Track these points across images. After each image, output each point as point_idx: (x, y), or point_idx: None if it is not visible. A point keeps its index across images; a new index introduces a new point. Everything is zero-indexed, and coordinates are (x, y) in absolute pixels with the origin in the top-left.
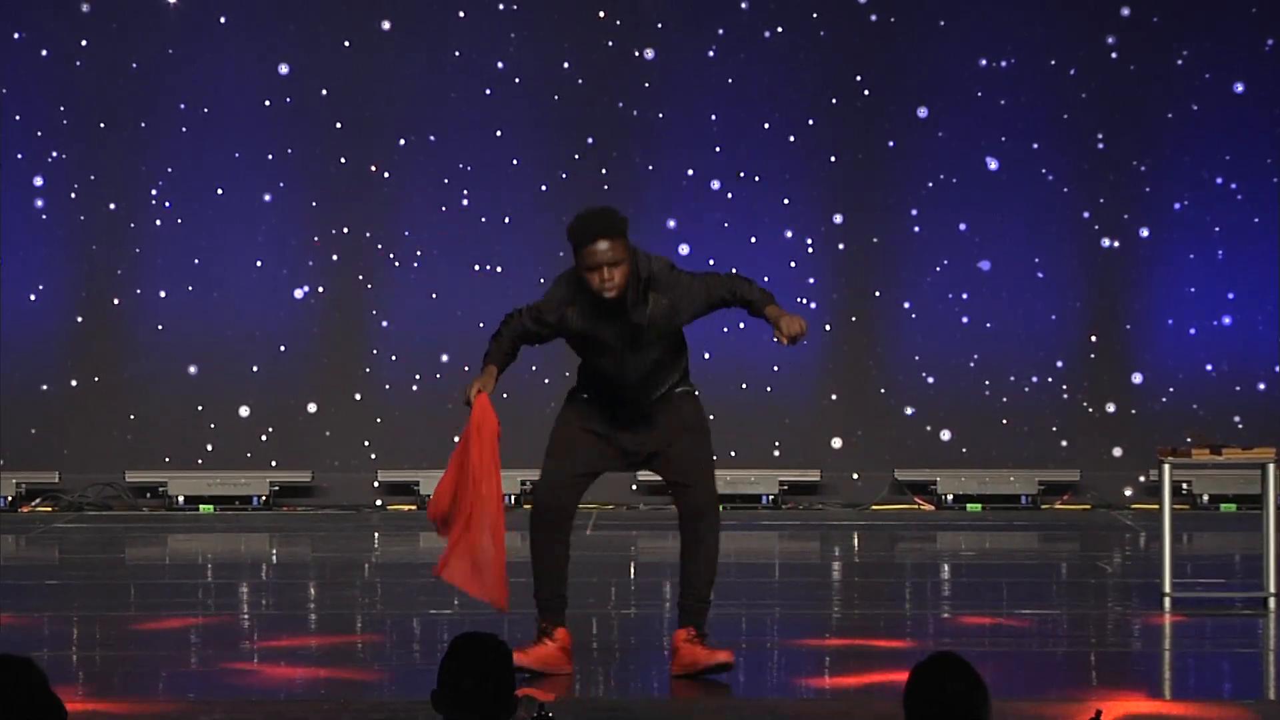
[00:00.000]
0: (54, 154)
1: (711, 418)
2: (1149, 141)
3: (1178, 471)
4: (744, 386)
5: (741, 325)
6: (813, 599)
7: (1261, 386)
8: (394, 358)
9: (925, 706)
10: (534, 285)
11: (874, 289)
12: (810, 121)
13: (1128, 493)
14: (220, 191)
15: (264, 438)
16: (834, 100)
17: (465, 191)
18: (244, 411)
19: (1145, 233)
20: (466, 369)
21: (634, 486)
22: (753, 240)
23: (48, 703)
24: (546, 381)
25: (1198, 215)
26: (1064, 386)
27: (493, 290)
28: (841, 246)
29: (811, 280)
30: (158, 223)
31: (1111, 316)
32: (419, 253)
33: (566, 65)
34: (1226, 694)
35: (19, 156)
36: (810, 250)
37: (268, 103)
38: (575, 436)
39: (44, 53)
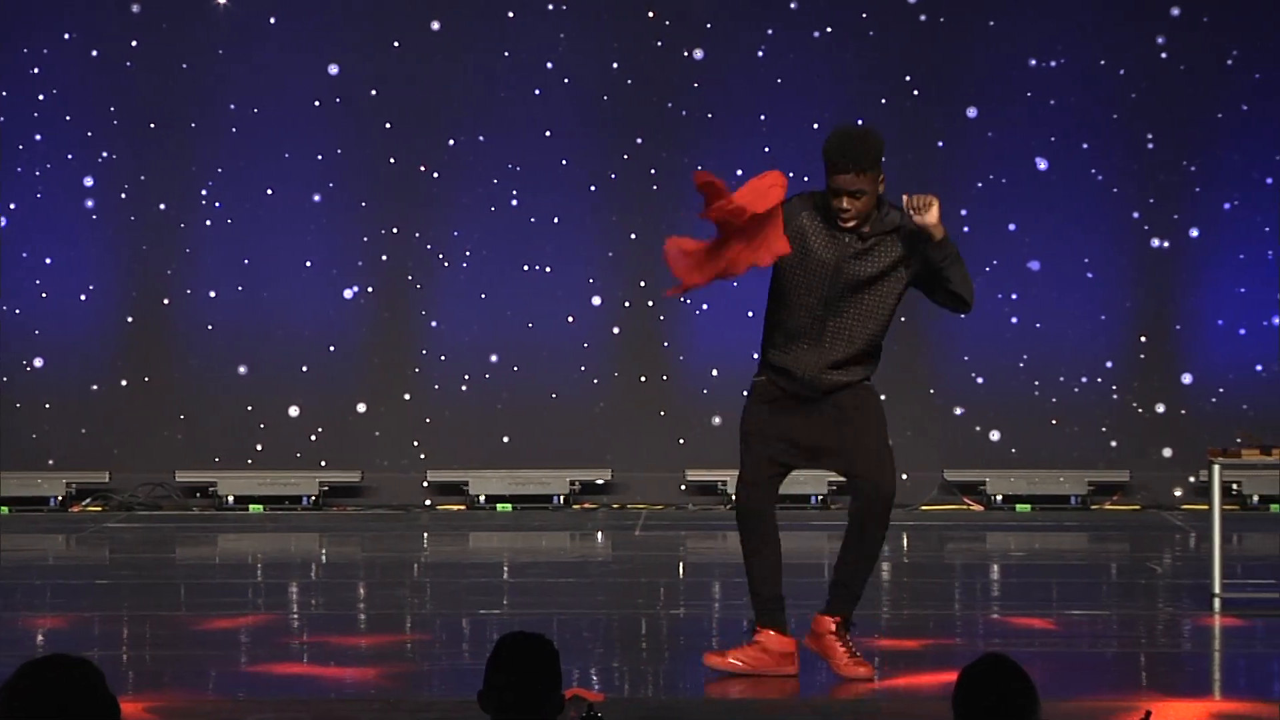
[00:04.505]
0: (104, 154)
1: None
2: (1199, 141)
3: (1228, 472)
4: None
5: None
6: (862, 599)
7: None
8: (443, 358)
9: (974, 708)
10: (584, 285)
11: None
12: (859, 122)
13: (1178, 493)
14: (270, 192)
15: (313, 438)
16: (883, 100)
17: (514, 191)
18: (293, 411)
19: (1195, 233)
20: (515, 369)
21: (683, 486)
22: None
23: (104, 703)
24: (595, 382)
25: (1248, 215)
26: (1114, 387)
27: (542, 290)
28: None
29: None
30: (208, 223)
31: (1161, 317)
32: (468, 253)
33: (615, 65)
34: (1276, 695)
35: (69, 157)
36: None
37: (317, 103)
38: (763, 431)
39: (94, 53)
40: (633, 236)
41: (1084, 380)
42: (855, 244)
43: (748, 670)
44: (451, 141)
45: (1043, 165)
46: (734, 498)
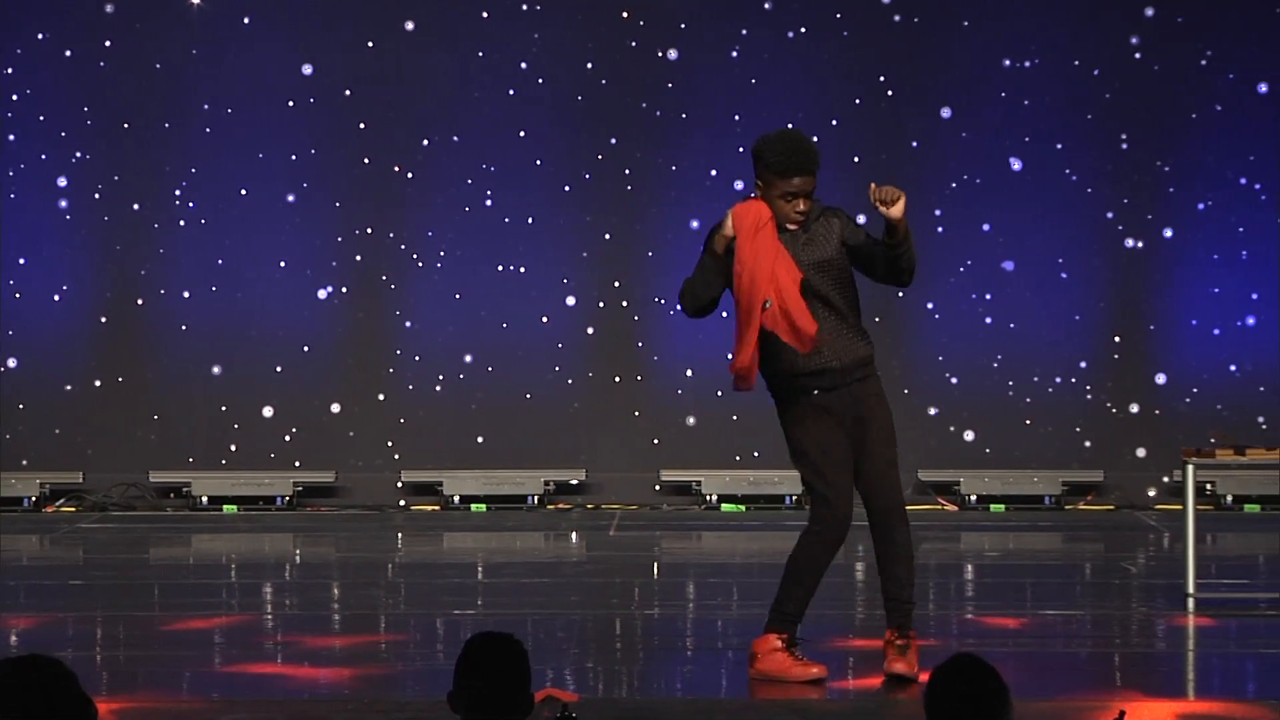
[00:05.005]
0: (78, 154)
1: (735, 418)
2: (1173, 142)
3: (1201, 472)
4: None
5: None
6: (836, 599)
7: None
8: (417, 358)
9: (945, 708)
10: (558, 285)
11: (897, 289)
12: (834, 122)
13: (1151, 493)
14: (244, 192)
15: (287, 438)
16: (857, 101)
17: (488, 191)
18: (267, 412)
19: (1169, 233)
20: (490, 369)
21: (657, 487)
22: None
23: (79, 702)
24: (570, 382)
25: (1221, 215)
26: (1087, 387)
27: (516, 290)
28: None
29: None
30: (181, 223)
31: (1135, 317)
32: (442, 253)
33: (590, 65)
34: (1250, 694)
35: (43, 157)
36: None
37: (291, 103)
38: (823, 435)
39: (67, 53)
40: (607, 237)
41: (1058, 380)
42: (800, 234)
43: (778, 676)
44: (426, 141)
45: (1017, 165)
46: (821, 519)
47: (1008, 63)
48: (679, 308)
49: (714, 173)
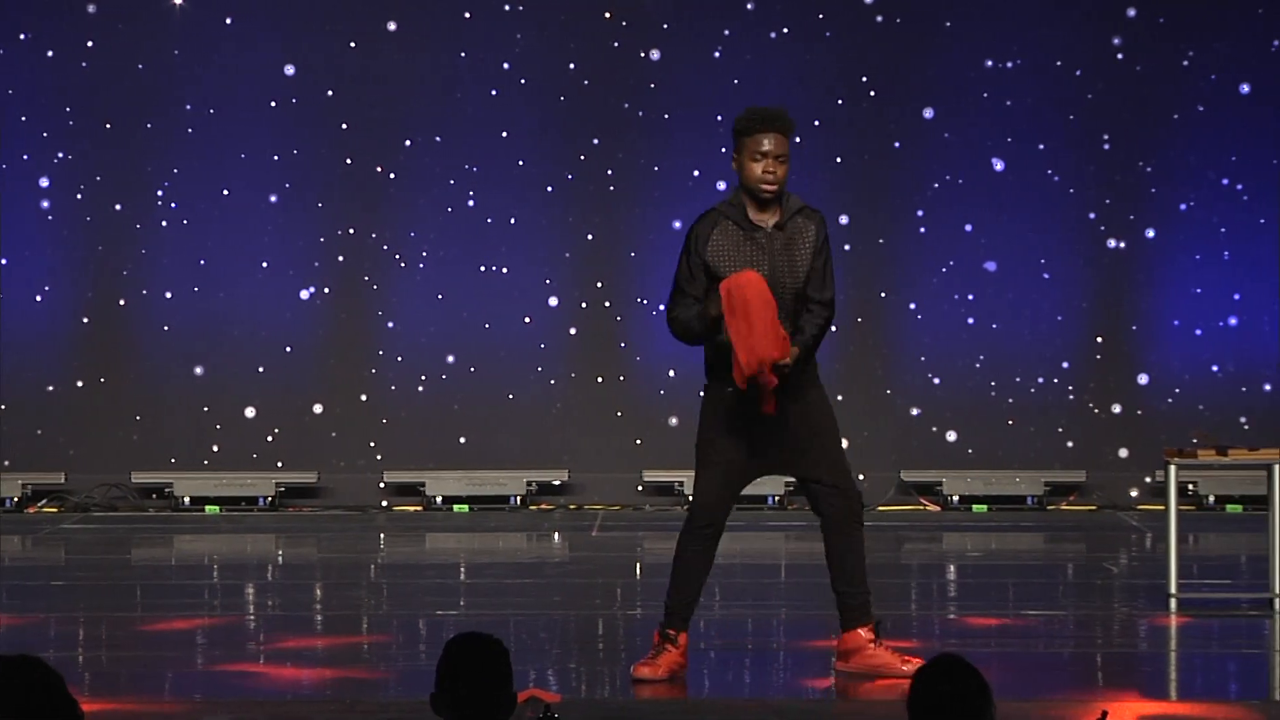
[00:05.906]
0: (60, 155)
1: None
2: (1155, 142)
3: (1184, 472)
4: None
5: None
6: (819, 600)
7: (1267, 387)
8: (400, 359)
9: (929, 708)
10: (540, 286)
11: (880, 290)
12: (816, 123)
13: (1134, 493)
14: (226, 192)
15: (270, 438)
16: (840, 101)
17: (471, 192)
18: (250, 412)
19: (1151, 233)
20: (472, 369)
21: (639, 487)
22: None
23: (65, 703)
24: (552, 382)
25: (1204, 216)
26: (1070, 387)
27: (498, 291)
28: (847, 247)
29: None
30: (163, 223)
31: (1117, 317)
32: (425, 254)
33: (572, 66)
34: (1232, 695)
35: (25, 157)
36: None
37: (273, 103)
38: (724, 447)
39: (50, 54)
40: (589, 237)
41: (1040, 381)
42: (777, 236)
43: (667, 676)
44: (408, 142)
45: (999, 166)
46: (689, 515)
47: (990, 63)
48: (670, 328)
49: (696, 173)
